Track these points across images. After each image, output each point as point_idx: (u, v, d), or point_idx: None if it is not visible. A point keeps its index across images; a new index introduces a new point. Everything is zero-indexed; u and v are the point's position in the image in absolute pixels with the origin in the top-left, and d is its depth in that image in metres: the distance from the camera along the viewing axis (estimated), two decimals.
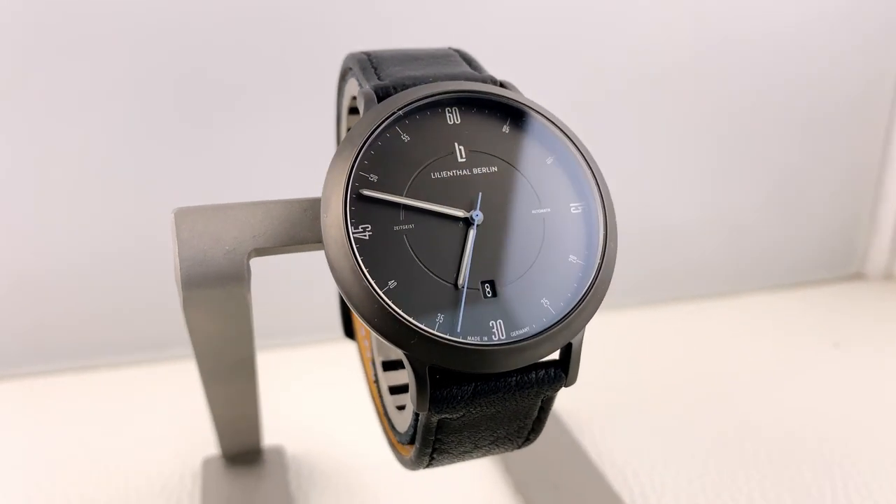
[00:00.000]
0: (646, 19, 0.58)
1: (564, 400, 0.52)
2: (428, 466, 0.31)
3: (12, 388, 0.54)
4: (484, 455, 0.31)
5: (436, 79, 0.30)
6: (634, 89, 0.60)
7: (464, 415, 0.28)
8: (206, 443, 0.47)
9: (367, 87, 0.30)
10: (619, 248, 0.58)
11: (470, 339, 0.27)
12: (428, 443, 0.29)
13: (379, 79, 0.31)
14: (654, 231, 0.64)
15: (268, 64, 0.52)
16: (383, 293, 0.26)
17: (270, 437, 0.48)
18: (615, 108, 0.60)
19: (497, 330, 0.27)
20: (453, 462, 0.31)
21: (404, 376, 0.36)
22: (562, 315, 0.28)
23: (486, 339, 0.27)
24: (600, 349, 0.59)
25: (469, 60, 0.33)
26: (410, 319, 0.26)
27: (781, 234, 0.67)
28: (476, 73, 0.31)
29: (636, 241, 0.63)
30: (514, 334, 0.27)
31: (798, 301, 0.67)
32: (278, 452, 0.47)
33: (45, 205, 0.52)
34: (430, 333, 0.26)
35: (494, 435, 0.30)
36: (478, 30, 0.55)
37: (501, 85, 0.31)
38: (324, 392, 0.53)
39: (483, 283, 0.28)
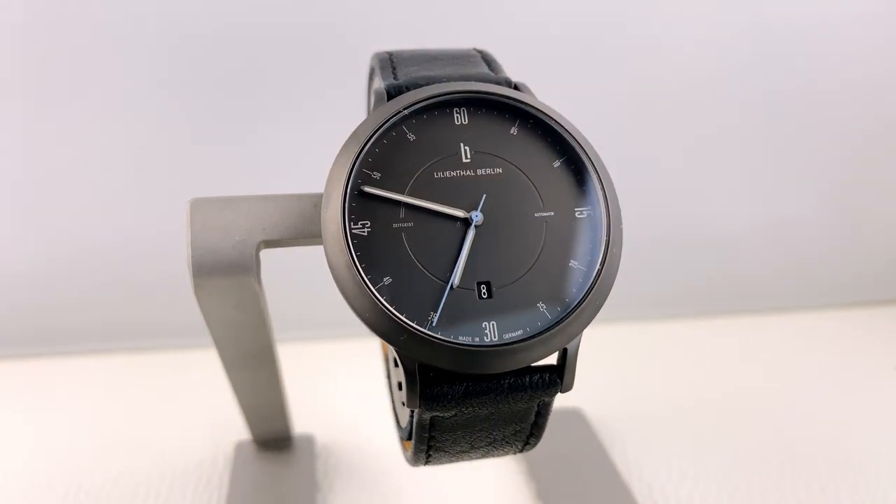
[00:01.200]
0: (696, 20, 0.57)
1: (597, 407, 0.51)
2: (427, 464, 0.31)
3: (62, 365, 0.57)
4: (483, 457, 0.31)
5: (450, 79, 0.30)
6: (683, 92, 0.58)
7: (456, 414, 0.28)
8: (242, 428, 0.49)
9: (381, 86, 0.30)
10: (664, 258, 0.57)
11: (462, 339, 0.27)
12: (423, 439, 0.30)
13: (395, 78, 0.31)
14: (703, 241, 0.62)
15: (298, 59, 0.53)
16: (376, 289, 0.27)
17: (303, 425, 0.49)
18: (662, 112, 0.58)
19: (490, 331, 0.27)
20: (452, 461, 0.31)
21: None
22: (557, 320, 0.27)
23: (477, 339, 0.27)
24: (641, 359, 0.58)
25: (489, 62, 0.33)
26: (401, 316, 0.26)
27: (839, 248, 0.64)
28: (491, 74, 0.31)
29: (683, 251, 0.61)
30: (506, 336, 0.27)
31: (856, 321, 0.64)
32: (308, 441, 0.48)
33: (83, 191, 0.54)
34: (420, 331, 0.26)
35: (491, 437, 0.30)
36: (523, 31, 0.55)
37: (515, 87, 0.31)
38: (359, 385, 0.54)
39: (479, 283, 0.28)
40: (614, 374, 0.56)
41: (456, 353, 0.27)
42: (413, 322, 0.27)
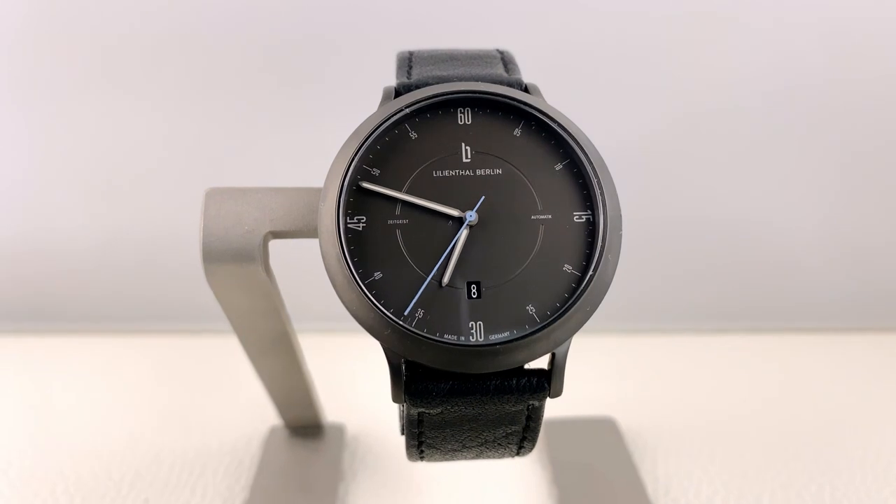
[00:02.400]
0: (776, 25, 0.55)
1: (632, 418, 0.50)
2: (423, 459, 0.32)
3: (110, 344, 0.60)
4: (476, 457, 0.32)
5: (460, 79, 0.31)
6: (760, 100, 0.56)
7: (442, 412, 0.28)
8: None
9: (391, 84, 0.31)
10: (721, 270, 0.55)
11: (447, 337, 0.27)
12: (413, 435, 0.30)
13: (408, 77, 0.32)
14: (769, 254, 0.60)
15: (323, 53, 0.54)
16: (366, 283, 0.27)
17: (335, 414, 0.50)
18: (734, 122, 0.57)
19: (476, 331, 0.27)
20: (446, 459, 0.31)
21: None
22: (543, 324, 0.27)
23: (462, 338, 0.27)
24: (686, 372, 0.56)
25: (507, 62, 0.33)
26: (386, 311, 0.27)
27: None
28: (504, 75, 0.31)
29: (748, 264, 0.59)
30: (492, 337, 0.27)
31: None
32: (339, 430, 0.49)
33: (122, 177, 0.57)
34: (404, 327, 0.27)
35: (481, 437, 0.30)
36: (596, 36, 0.54)
37: (525, 89, 0.31)
38: None
39: (469, 283, 0.28)
40: (655, 385, 0.54)
41: (439, 351, 0.27)
42: (398, 318, 0.27)
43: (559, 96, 0.53)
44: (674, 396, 0.53)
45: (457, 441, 0.30)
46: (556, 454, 0.48)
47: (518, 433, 0.30)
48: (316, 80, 0.54)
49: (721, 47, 0.55)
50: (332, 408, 0.49)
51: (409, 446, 0.31)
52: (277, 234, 0.31)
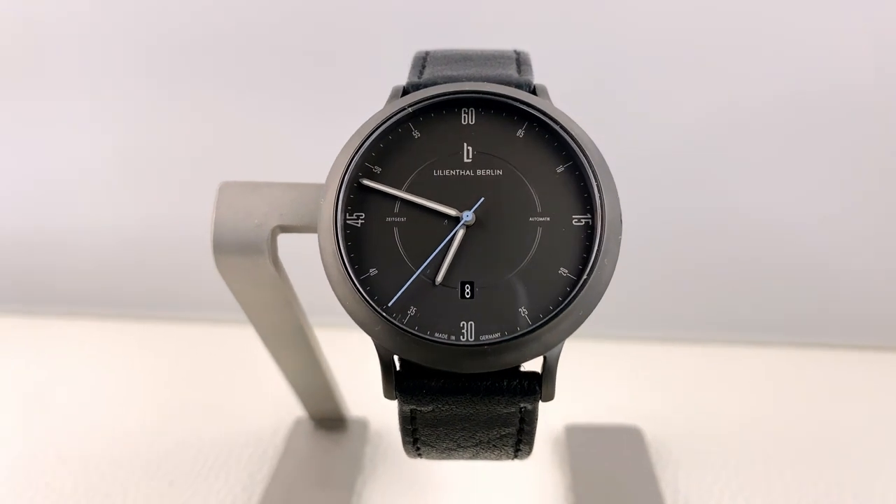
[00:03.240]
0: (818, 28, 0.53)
1: (659, 428, 0.49)
2: (420, 456, 0.32)
3: (141, 329, 0.62)
4: (473, 458, 0.32)
5: (469, 79, 0.31)
6: (796, 100, 0.54)
7: (434, 410, 0.29)
8: None
9: (401, 84, 0.31)
10: (759, 281, 0.53)
11: (438, 336, 0.27)
12: (407, 431, 0.30)
13: (419, 76, 0.32)
14: (809, 266, 0.58)
15: (360, 51, 0.54)
16: (360, 279, 0.28)
17: (361, 409, 0.50)
18: (790, 129, 0.55)
19: (467, 331, 0.27)
20: (442, 458, 0.32)
21: None
22: (534, 326, 0.27)
23: (453, 338, 0.27)
24: (722, 384, 0.55)
25: (521, 63, 0.33)
26: (377, 307, 0.27)
27: None
28: (513, 75, 0.31)
29: (786, 276, 0.57)
30: (483, 338, 0.27)
31: None
32: (362, 425, 0.50)
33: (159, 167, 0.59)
34: (395, 324, 0.27)
35: (475, 438, 0.30)
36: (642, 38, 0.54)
37: (534, 90, 0.31)
38: None
39: (463, 283, 0.28)
40: (685, 396, 0.53)
41: (429, 349, 0.27)
42: (391, 314, 0.27)
43: (589, 98, 0.52)
44: (703, 408, 0.52)
45: (451, 440, 0.30)
46: (576, 460, 0.47)
47: (513, 435, 0.30)
48: (340, 77, 0.55)
49: (750, 46, 0.53)
50: (357, 402, 0.50)
51: (404, 442, 0.31)
52: (286, 229, 0.32)
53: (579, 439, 0.49)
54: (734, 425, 0.50)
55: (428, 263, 0.28)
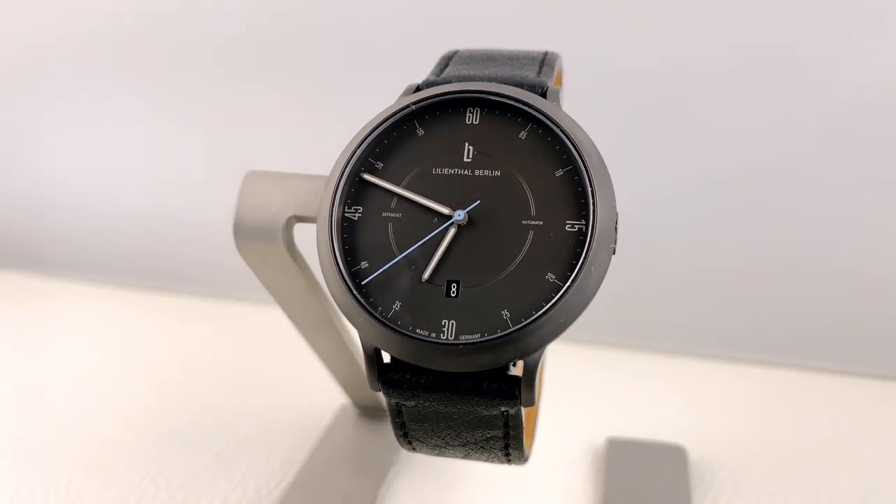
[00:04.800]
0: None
1: (703, 449, 0.47)
2: (414, 450, 0.32)
3: (203, 306, 0.65)
4: (465, 457, 0.32)
5: (484, 79, 0.31)
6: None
7: (417, 405, 0.29)
8: None
9: (419, 81, 0.31)
10: (822, 307, 0.51)
11: (419, 332, 0.27)
12: (396, 424, 0.31)
13: (437, 74, 0.32)
14: (871, 294, 0.53)
15: (402, 48, 0.55)
16: (351, 271, 0.28)
17: None
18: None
19: (447, 329, 0.27)
20: (434, 454, 0.32)
21: None
22: (513, 330, 0.27)
23: (434, 335, 0.27)
24: (775, 408, 0.52)
25: (544, 65, 0.32)
26: (362, 300, 0.28)
27: None
28: (528, 76, 0.31)
29: (845, 303, 0.53)
30: (462, 337, 0.27)
31: None
32: None
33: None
34: (377, 316, 0.28)
35: (462, 438, 0.30)
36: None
37: (544, 92, 0.30)
38: None
39: (450, 281, 0.28)
40: (736, 418, 0.51)
41: (407, 344, 0.27)
42: (376, 308, 0.28)
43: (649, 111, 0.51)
44: (756, 434, 0.49)
45: (438, 437, 0.30)
46: (613, 474, 0.46)
47: (499, 439, 0.30)
48: (378, 74, 0.56)
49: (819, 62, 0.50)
50: None
51: (396, 435, 0.31)
52: (301, 219, 0.33)
53: (619, 453, 0.47)
54: (787, 455, 0.47)
55: (412, 254, 0.28)
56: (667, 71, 0.52)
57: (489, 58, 0.33)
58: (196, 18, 0.60)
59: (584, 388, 0.54)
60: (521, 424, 0.29)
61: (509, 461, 0.31)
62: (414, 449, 0.32)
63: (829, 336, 0.55)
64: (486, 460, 0.32)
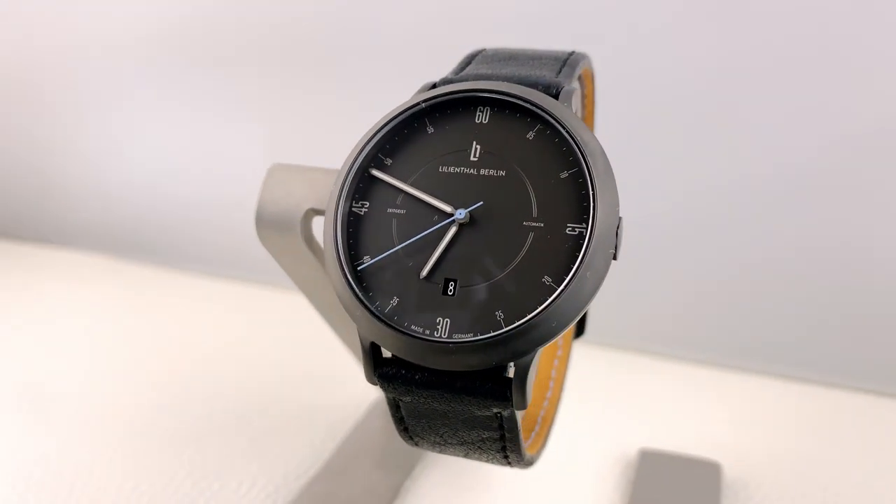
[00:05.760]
0: None
1: (741, 467, 0.46)
2: (417, 445, 0.32)
3: (252, 294, 0.67)
4: (465, 456, 0.31)
5: (500, 78, 0.31)
6: None
7: (412, 400, 0.29)
8: None
9: (438, 79, 0.32)
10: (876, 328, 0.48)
11: (414, 328, 0.28)
12: (396, 419, 0.31)
13: (457, 72, 0.32)
14: None
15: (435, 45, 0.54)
16: (353, 265, 0.29)
17: None
18: None
19: (441, 327, 0.27)
20: (435, 450, 0.32)
21: None
22: (504, 332, 0.27)
23: (427, 332, 0.27)
24: (820, 430, 0.50)
25: (565, 65, 0.32)
26: (360, 294, 0.28)
27: None
28: (545, 76, 0.30)
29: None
30: (456, 336, 0.27)
31: None
32: None
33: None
34: (373, 311, 0.28)
35: (459, 437, 0.30)
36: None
37: (557, 93, 0.30)
38: None
39: (447, 280, 0.28)
40: (781, 438, 0.48)
41: (401, 340, 0.27)
42: (374, 303, 0.28)
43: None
44: (797, 455, 0.47)
45: (436, 434, 0.30)
46: (643, 487, 0.45)
47: (496, 440, 0.30)
48: (430, 72, 0.56)
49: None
50: None
51: (397, 429, 0.32)
52: (319, 212, 0.34)
53: (651, 465, 0.46)
54: (829, 480, 0.45)
55: (412, 251, 0.28)
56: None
57: (512, 57, 0.33)
58: (256, 21, 0.62)
59: (624, 396, 0.53)
60: (517, 427, 0.29)
61: (509, 464, 0.31)
62: (416, 444, 0.32)
63: (883, 357, 0.52)
64: (486, 461, 0.31)
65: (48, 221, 0.77)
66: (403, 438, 0.32)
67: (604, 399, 0.53)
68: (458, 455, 0.32)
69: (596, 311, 0.52)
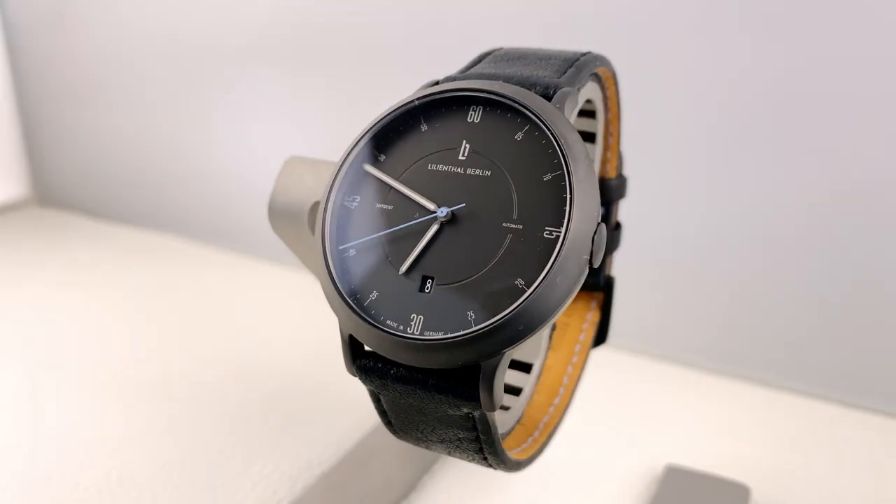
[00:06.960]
0: None
1: (772, 492, 0.43)
2: (401, 439, 0.33)
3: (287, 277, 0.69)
4: (448, 454, 0.32)
5: (500, 78, 0.30)
6: None
7: (391, 395, 0.29)
8: None
9: (442, 77, 0.32)
10: None
11: (389, 323, 0.28)
12: (379, 412, 0.31)
13: (463, 70, 0.32)
14: None
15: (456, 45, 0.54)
16: (338, 258, 0.29)
17: None
18: None
19: (415, 324, 0.28)
20: (419, 445, 0.32)
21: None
22: (472, 332, 0.26)
23: (401, 328, 0.28)
24: (861, 458, 0.47)
25: (571, 66, 0.31)
26: (340, 286, 0.29)
27: None
28: (546, 76, 0.30)
29: None
30: (427, 334, 0.27)
31: None
32: None
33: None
34: (351, 304, 0.28)
35: (437, 435, 0.30)
36: None
37: (553, 94, 0.29)
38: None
39: (425, 277, 0.28)
40: (817, 463, 0.46)
41: (374, 333, 0.28)
42: (352, 296, 0.29)
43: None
44: (831, 481, 0.44)
45: (416, 429, 0.31)
46: (662, 502, 0.44)
47: (472, 441, 0.30)
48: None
49: None
50: None
51: (383, 422, 0.32)
52: None
53: (676, 483, 0.45)
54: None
55: (393, 247, 0.29)
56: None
57: (521, 56, 0.32)
58: (327, 26, 0.64)
59: (657, 410, 0.51)
60: (491, 429, 0.29)
61: (490, 466, 0.31)
62: (400, 438, 0.32)
63: None
64: (469, 461, 0.31)
65: (158, 208, 0.81)
66: (390, 432, 0.32)
67: (636, 408, 0.51)
68: (441, 452, 0.32)
69: (631, 317, 0.51)
